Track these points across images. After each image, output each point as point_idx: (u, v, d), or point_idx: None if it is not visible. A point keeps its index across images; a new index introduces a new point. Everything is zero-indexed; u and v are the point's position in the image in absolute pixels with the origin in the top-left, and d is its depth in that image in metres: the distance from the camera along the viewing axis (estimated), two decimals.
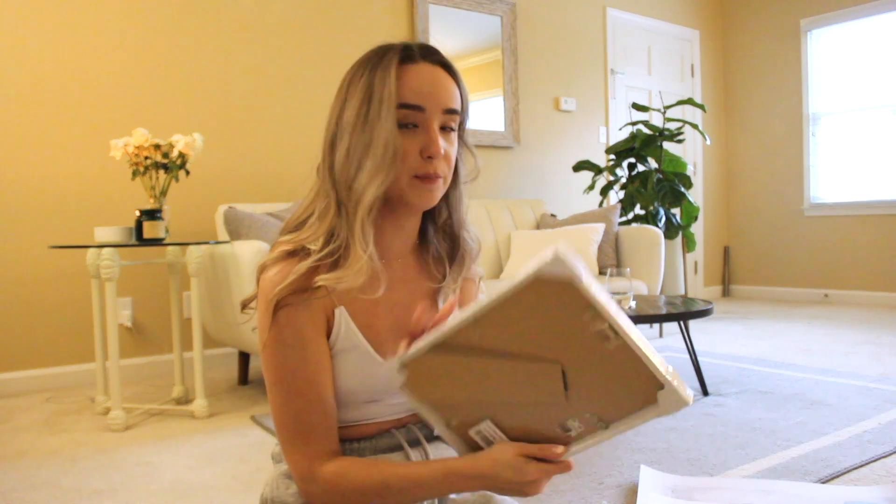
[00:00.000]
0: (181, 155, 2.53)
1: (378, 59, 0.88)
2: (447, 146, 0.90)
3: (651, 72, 5.31)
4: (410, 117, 0.87)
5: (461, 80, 0.93)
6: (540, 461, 0.81)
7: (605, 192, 4.31)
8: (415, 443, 0.98)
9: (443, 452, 1.00)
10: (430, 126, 0.88)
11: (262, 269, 0.90)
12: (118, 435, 2.28)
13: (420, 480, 0.84)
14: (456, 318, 0.76)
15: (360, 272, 0.85)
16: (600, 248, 3.61)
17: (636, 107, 4.19)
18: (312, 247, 0.87)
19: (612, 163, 4.26)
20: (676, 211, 4.37)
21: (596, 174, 4.21)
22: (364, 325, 0.92)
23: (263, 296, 0.87)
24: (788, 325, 4.18)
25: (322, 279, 0.84)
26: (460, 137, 0.96)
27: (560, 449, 0.81)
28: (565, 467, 0.83)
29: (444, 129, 0.90)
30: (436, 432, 0.96)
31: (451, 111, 0.91)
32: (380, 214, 0.91)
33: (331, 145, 0.90)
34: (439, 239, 1.03)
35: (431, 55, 0.91)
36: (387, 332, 0.95)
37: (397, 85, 0.86)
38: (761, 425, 2.14)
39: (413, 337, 0.85)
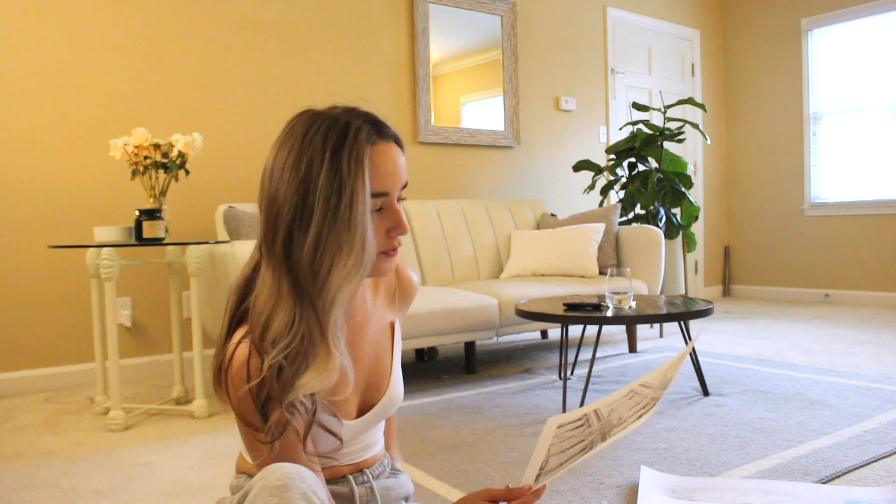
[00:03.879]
0: (181, 154, 2.53)
1: (339, 143, 0.83)
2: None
3: (651, 71, 5.30)
4: (377, 203, 0.87)
5: (404, 147, 0.93)
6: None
7: (605, 191, 4.30)
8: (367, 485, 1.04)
9: (390, 492, 1.06)
10: (394, 206, 0.89)
11: (231, 356, 0.86)
12: (118, 435, 2.28)
13: None
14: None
15: (333, 370, 0.84)
16: (600, 248, 3.61)
17: (636, 106, 4.19)
18: (274, 339, 0.83)
19: (612, 162, 4.25)
20: (677, 211, 4.37)
21: (596, 174, 4.21)
22: (330, 393, 0.93)
23: (235, 389, 0.85)
24: (789, 325, 4.18)
25: (300, 386, 0.82)
26: None
27: (526, 485, 0.90)
28: (538, 495, 0.91)
29: (399, 200, 0.91)
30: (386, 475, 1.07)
31: (405, 185, 0.92)
32: None
33: (288, 226, 0.83)
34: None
35: (387, 132, 0.89)
36: (351, 391, 0.98)
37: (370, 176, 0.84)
38: (762, 425, 2.14)
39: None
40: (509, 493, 0.93)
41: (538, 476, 0.91)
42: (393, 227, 0.89)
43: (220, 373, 0.88)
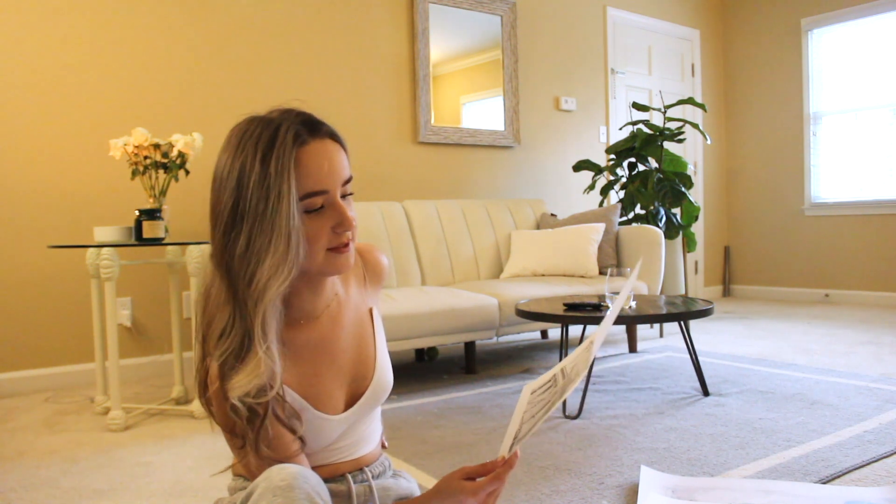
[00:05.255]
0: (181, 154, 2.53)
1: (269, 147, 0.84)
2: (353, 212, 0.91)
3: (651, 71, 5.30)
4: (317, 202, 0.87)
5: (345, 143, 0.93)
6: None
7: (605, 191, 4.30)
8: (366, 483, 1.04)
9: (389, 492, 1.06)
10: (336, 203, 0.88)
11: (206, 376, 0.90)
12: (118, 435, 2.28)
13: None
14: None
15: (259, 369, 0.83)
16: (600, 248, 3.61)
17: (636, 106, 4.19)
18: (217, 343, 0.85)
19: (612, 162, 4.25)
20: (677, 211, 4.36)
21: (596, 174, 4.21)
22: (306, 387, 0.94)
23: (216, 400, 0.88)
24: (789, 325, 4.18)
25: (232, 388, 0.83)
26: None
27: (500, 458, 0.91)
28: (510, 465, 0.91)
29: (344, 197, 0.91)
30: (389, 474, 1.08)
31: (348, 180, 0.91)
32: (299, 286, 0.92)
33: (224, 232, 0.85)
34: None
35: (319, 130, 0.89)
36: (333, 385, 0.98)
37: (296, 176, 0.84)
38: (762, 425, 2.14)
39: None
40: (484, 468, 0.93)
41: (511, 445, 0.91)
42: (338, 223, 0.89)
43: (203, 388, 0.90)
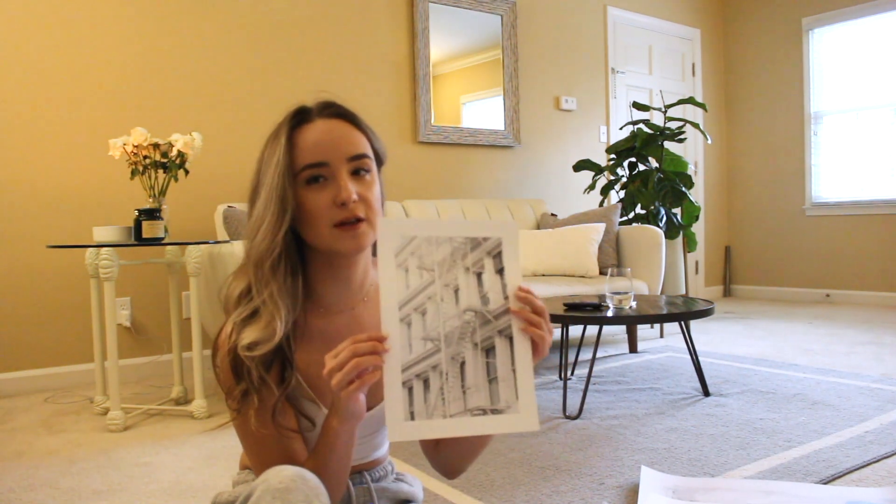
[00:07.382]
0: (180, 154, 2.53)
1: (274, 134, 0.93)
2: (360, 189, 0.91)
3: (652, 71, 5.30)
4: (316, 174, 0.90)
5: (364, 124, 0.95)
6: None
7: (605, 191, 4.29)
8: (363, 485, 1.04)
9: (387, 493, 1.05)
10: (336, 175, 0.90)
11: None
12: (117, 435, 2.27)
13: (317, 451, 0.90)
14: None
15: (261, 322, 0.88)
16: (601, 248, 3.60)
17: (637, 106, 4.18)
18: (236, 304, 0.93)
19: (612, 162, 4.25)
20: (677, 210, 4.35)
21: (596, 174, 4.20)
22: (312, 376, 0.94)
23: (220, 361, 0.93)
24: (790, 325, 4.17)
25: (241, 342, 0.87)
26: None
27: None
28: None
29: (358, 174, 0.92)
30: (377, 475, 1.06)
31: (357, 157, 0.92)
32: (321, 269, 0.95)
33: (249, 209, 0.96)
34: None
35: (326, 110, 0.93)
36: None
37: (294, 149, 0.90)
38: (762, 425, 2.13)
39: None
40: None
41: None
42: (335, 195, 0.90)
43: (215, 352, 0.93)
